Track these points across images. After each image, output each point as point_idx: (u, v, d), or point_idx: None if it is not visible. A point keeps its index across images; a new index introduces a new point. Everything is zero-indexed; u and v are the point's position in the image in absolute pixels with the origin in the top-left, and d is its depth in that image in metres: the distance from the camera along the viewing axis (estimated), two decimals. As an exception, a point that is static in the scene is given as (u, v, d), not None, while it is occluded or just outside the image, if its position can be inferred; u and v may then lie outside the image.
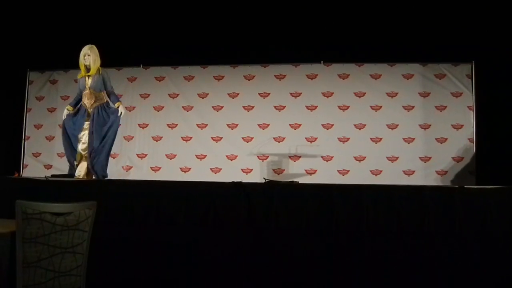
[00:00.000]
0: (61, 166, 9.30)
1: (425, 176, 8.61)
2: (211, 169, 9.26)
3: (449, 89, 8.73)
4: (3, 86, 9.62)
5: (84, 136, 7.17)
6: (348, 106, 8.97)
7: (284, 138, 9.10)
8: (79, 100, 7.31)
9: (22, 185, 5.91)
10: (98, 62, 7.16)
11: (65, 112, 7.31)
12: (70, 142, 7.19)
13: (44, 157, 9.56)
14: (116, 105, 7.22)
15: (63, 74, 9.88)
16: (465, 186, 6.16)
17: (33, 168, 9.78)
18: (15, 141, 9.89)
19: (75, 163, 7.21)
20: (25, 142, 9.98)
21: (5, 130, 9.74)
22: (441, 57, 8.64)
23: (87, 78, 7.18)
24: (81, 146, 7.18)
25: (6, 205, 5.04)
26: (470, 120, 8.59)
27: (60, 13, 9.20)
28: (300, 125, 9.07)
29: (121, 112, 7.21)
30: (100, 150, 7.12)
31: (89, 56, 7.11)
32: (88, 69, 7.14)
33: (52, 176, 6.99)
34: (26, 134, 10.00)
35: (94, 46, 7.19)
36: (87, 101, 7.18)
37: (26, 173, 9.71)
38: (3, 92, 9.61)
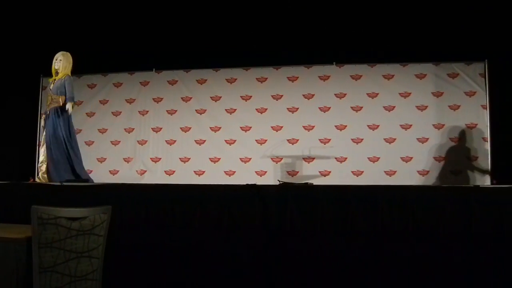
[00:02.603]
0: (75, 171, 9.38)
1: (440, 176, 8.57)
2: (225, 172, 9.25)
3: (463, 88, 8.66)
4: (17, 92, 9.67)
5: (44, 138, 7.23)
6: (361, 107, 8.94)
7: (297, 140, 9.08)
8: None
9: (37, 191, 5.94)
10: (68, 69, 7.25)
11: (43, 122, 7.38)
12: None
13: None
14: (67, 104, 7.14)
15: (76, 79, 9.83)
16: (480, 186, 6.13)
17: (48, 173, 9.83)
18: (29, 147, 9.94)
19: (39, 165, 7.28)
20: (40, 148, 10.04)
21: (19, 136, 9.79)
22: (453, 56, 8.57)
23: (53, 82, 7.27)
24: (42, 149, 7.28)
25: (21, 210, 5.08)
26: (484, 119, 8.52)
27: (71, 19, 9.25)
28: (314, 126, 9.05)
29: (68, 109, 7.10)
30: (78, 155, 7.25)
31: (60, 61, 7.23)
32: (57, 73, 7.26)
33: (67, 181, 7.02)
34: (40, 140, 10.05)
35: (68, 53, 7.31)
36: (47, 104, 7.29)
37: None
38: (17, 98, 9.66)
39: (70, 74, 7.30)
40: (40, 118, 7.34)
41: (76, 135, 7.54)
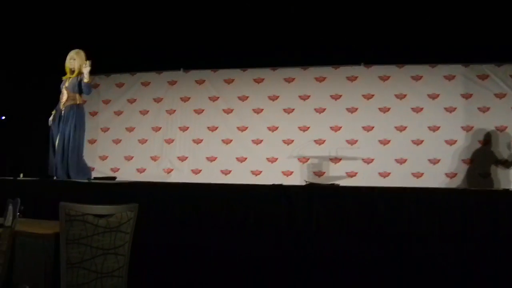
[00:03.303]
0: (103, 169, 9.45)
1: (468, 179, 8.47)
2: (251, 171, 9.25)
3: (492, 90, 8.55)
4: (49, 92, 9.75)
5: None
6: (389, 108, 8.88)
7: (324, 141, 9.04)
8: None
9: (65, 187, 6.00)
10: (83, 67, 7.23)
11: (51, 118, 7.35)
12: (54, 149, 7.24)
13: (87, 160, 9.65)
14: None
15: (104, 78, 10.00)
16: (509, 189, 6.05)
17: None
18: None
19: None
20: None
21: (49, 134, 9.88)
22: (483, 57, 8.46)
23: (68, 79, 7.30)
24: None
25: (50, 207, 5.11)
26: (514, 122, 8.43)
27: (102, 19, 9.30)
28: (341, 127, 9.01)
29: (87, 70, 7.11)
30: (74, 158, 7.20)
31: (74, 60, 7.28)
32: (72, 72, 7.29)
33: (95, 178, 7.07)
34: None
35: (81, 51, 7.36)
36: (61, 101, 7.28)
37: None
38: (48, 97, 9.74)
39: None
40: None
41: (83, 138, 7.51)
